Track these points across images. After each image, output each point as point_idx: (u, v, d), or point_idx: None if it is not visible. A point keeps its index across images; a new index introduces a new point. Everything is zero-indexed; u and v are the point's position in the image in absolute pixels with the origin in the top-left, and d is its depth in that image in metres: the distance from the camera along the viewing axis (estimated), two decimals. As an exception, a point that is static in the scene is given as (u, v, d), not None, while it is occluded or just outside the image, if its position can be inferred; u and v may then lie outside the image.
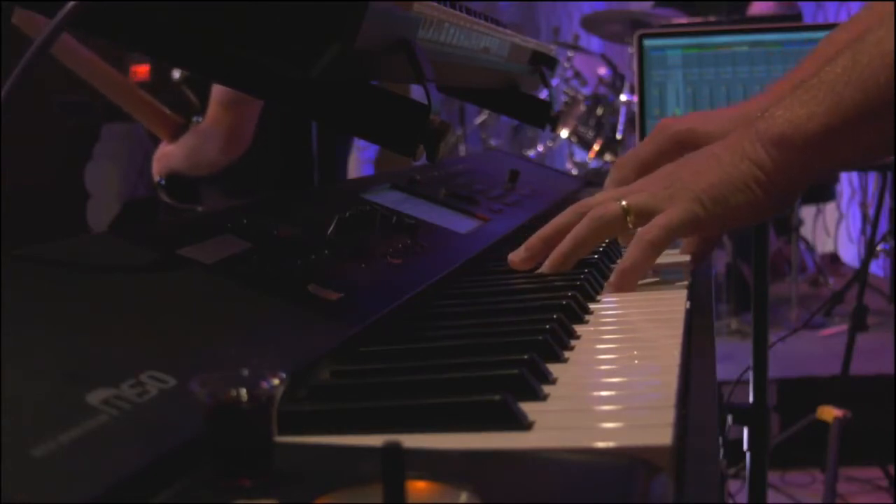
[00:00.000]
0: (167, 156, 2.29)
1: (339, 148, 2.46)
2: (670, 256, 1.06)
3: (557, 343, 0.72)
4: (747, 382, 2.09)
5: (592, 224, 0.96)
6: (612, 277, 0.94)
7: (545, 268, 0.97)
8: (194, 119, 2.29)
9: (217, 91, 2.16)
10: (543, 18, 6.26)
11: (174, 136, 2.29)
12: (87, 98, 3.02)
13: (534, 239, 1.00)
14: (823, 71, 0.90)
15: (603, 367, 0.70)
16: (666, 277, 1.00)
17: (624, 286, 0.93)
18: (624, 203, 0.95)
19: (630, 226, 0.95)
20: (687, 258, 1.03)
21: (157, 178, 2.33)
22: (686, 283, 0.96)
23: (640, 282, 0.95)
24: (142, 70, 2.50)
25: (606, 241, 1.11)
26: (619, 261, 0.95)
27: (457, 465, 0.50)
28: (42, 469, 0.44)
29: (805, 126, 0.90)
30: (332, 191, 1.21)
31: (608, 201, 0.97)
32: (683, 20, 3.52)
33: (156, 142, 2.41)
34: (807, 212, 4.99)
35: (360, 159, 5.29)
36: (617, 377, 0.66)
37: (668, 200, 0.94)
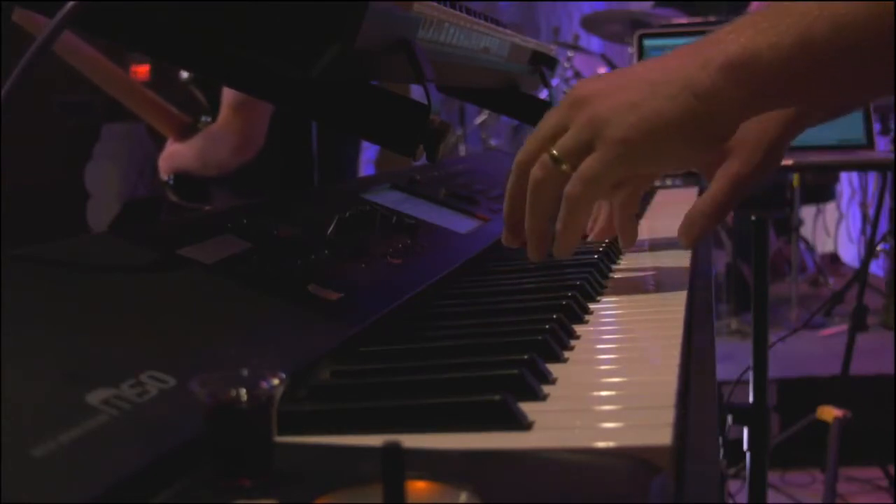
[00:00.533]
0: (176, 155, 2.29)
1: (349, 148, 2.47)
2: (671, 259, 1.06)
3: (557, 343, 0.72)
4: (747, 382, 2.09)
5: (535, 191, 0.89)
6: (556, 238, 0.90)
7: (554, 253, 0.93)
8: (202, 119, 2.29)
9: (227, 94, 2.16)
10: (543, 18, 6.26)
11: (181, 135, 2.29)
12: (87, 98, 3.02)
13: (505, 217, 0.96)
14: (789, 3, 0.81)
15: (603, 367, 0.70)
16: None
17: (565, 246, 0.89)
18: (554, 152, 0.88)
19: (570, 172, 0.87)
20: (687, 262, 1.02)
21: (164, 176, 2.33)
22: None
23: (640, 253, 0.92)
24: (142, 70, 2.50)
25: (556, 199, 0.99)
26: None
27: (457, 465, 0.50)
28: (42, 469, 0.44)
29: (764, 55, 0.80)
30: (332, 191, 1.21)
31: (539, 156, 0.89)
32: (683, 20, 3.53)
33: (157, 142, 2.41)
34: (807, 212, 4.99)
35: (361, 159, 5.29)
36: (617, 377, 0.66)
37: (597, 139, 0.85)
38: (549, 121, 0.91)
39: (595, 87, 0.88)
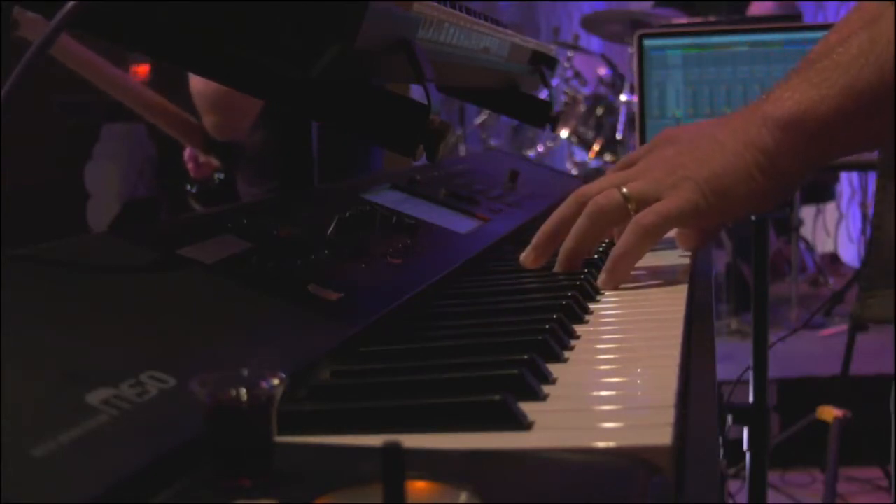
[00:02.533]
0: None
1: (374, 150, 2.46)
2: (671, 258, 1.06)
3: (557, 343, 0.72)
4: (747, 382, 2.09)
5: (593, 216, 0.93)
6: (607, 263, 0.93)
7: (557, 268, 0.96)
8: None
9: (196, 96, 2.15)
10: (543, 18, 6.25)
11: (199, 142, 2.29)
12: (87, 98, 3.02)
13: (540, 236, 0.99)
14: (836, 52, 0.86)
15: (603, 367, 0.70)
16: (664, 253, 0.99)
17: (617, 272, 0.92)
18: (625, 190, 0.92)
19: (632, 214, 0.92)
20: (687, 261, 1.03)
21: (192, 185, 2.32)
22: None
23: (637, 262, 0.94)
24: (142, 70, 2.50)
25: (611, 235, 1.08)
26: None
27: (457, 465, 0.50)
28: (42, 469, 0.44)
29: (816, 109, 0.86)
30: (332, 191, 1.21)
31: (609, 189, 0.94)
32: (683, 20, 3.53)
33: (158, 142, 2.41)
34: (807, 212, 4.99)
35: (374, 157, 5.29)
36: (617, 377, 0.66)
37: (670, 188, 0.91)
38: (626, 161, 0.98)
39: (671, 146, 0.94)
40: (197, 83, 2.14)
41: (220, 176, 2.28)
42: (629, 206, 0.92)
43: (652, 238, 0.91)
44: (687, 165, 0.91)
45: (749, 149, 0.89)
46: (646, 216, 0.90)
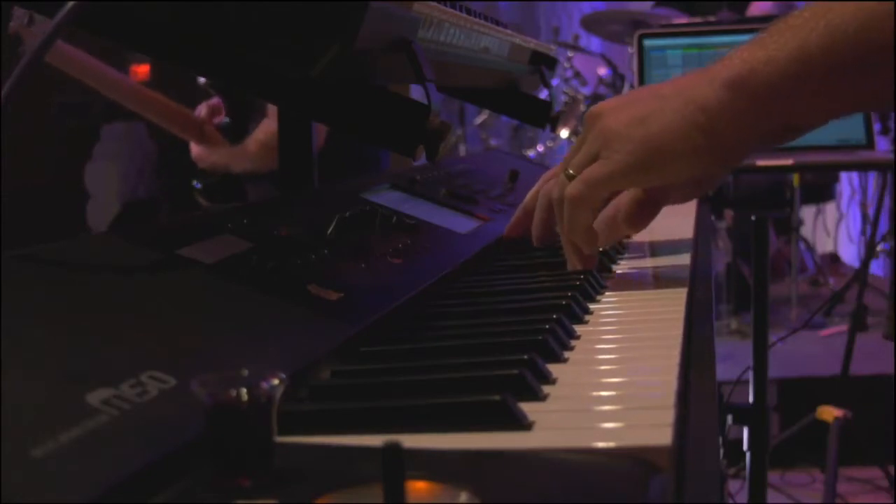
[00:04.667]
0: (206, 158, 2.30)
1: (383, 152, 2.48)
2: (671, 258, 1.06)
3: (557, 343, 0.72)
4: (747, 382, 2.09)
5: (549, 207, 0.95)
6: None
7: (581, 266, 0.95)
8: (224, 120, 2.30)
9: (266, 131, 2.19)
10: (543, 18, 6.26)
11: (200, 138, 2.29)
12: (87, 98, 3.02)
13: (535, 230, 1.04)
14: (790, 16, 0.83)
15: (603, 367, 0.70)
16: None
17: (569, 248, 0.93)
18: (570, 171, 0.90)
19: None
20: (687, 262, 1.02)
21: (203, 164, 2.33)
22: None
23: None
24: (142, 70, 2.50)
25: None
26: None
27: (457, 465, 0.50)
28: (42, 469, 0.44)
29: (763, 69, 0.83)
30: (332, 191, 1.21)
31: (559, 176, 0.93)
32: (683, 20, 3.53)
33: (158, 142, 2.41)
34: (807, 212, 4.99)
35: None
36: (617, 377, 0.66)
37: (603, 150, 0.88)
38: (573, 145, 0.94)
39: (608, 105, 0.91)
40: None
41: (225, 120, 2.30)
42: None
43: (586, 205, 0.89)
44: (622, 124, 0.88)
45: (689, 106, 0.86)
46: (573, 186, 0.88)
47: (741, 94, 0.83)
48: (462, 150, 5.01)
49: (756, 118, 0.85)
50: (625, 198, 0.97)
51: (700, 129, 0.85)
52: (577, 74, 4.70)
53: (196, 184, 2.32)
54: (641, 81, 1.97)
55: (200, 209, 2.36)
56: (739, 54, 0.85)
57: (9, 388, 0.49)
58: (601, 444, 0.52)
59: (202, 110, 2.34)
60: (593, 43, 5.30)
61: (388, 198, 1.14)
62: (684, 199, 1.03)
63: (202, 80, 2.28)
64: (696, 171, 0.89)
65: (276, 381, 0.48)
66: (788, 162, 1.88)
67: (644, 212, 0.97)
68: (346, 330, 0.73)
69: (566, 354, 0.72)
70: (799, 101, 0.84)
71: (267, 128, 2.26)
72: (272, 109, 2.20)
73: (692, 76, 0.88)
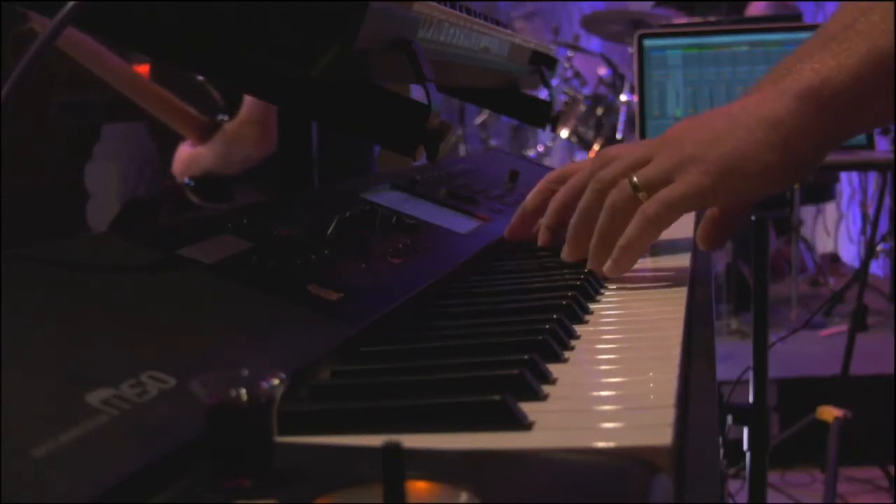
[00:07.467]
0: (197, 158, 2.29)
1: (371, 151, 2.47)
2: (671, 258, 1.06)
3: (557, 343, 0.72)
4: (747, 382, 2.09)
5: (610, 214, 0.92)
6: (613, 252, 0.92)
7: (606, 272, 0.94)
8: (220, 117, 2.30)
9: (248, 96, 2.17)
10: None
11: (201, 136, 2.29)
12: (87, 98, 3.02)
13: (571, 231, 0.98)
14: (858, 22, 0.83)
15: (603, 367, 0.70)
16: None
17: (621, 262, 0.91)
18: (635, 179, 0.91)
19: (643, 202, 0.90)
20: (687, 262, 1.02)
21: (182, 179, 2.33)
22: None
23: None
24: (142, 70, 2.50)
25: None
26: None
27: (457, 465, 0.50)
28: (42, 469, 0.44)
29: (834, 78, 0.83)
30: (332, 191, 1.21)
31: (621, 180, 0.92)
32: (683, 20, 3.53)
33: (157, 142, 2.41)
34: (807, 212, 5.00)
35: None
36: (617, 377, 0.66)
37: (677, 172, 0.88)
38: (637, 149, 0.94)
39: (684, 126, 0.91)
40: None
41: (222, 117, 2.29)
42: (640, 195, 0.90)
43: (657, 227, 0.90)
44: (696, 145, 0.89)
45: (762, 124, 0.86)
46: (650, 206, 0.89)
47: (815, 104, 0.84)
48: (462, 150, 5.01)
49: (832, 126, 0.85)
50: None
51: (772, 146, 0.85)
52: (577, 74, 4.71)
53: (188, 181, 2.32)
54: (641, 81, 1.97)
55: (195, 208, 2.36)
56: (810, 65, 0.85)
57: (9, 388, 0.49)
58: (601, 444, 0.52)
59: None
60: (593, 43, 5.30)
61: (388, 198, 1.14)
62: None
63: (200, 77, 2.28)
64: (770, 189, 0.89)
65: (276, 381, 0.48)
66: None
67: (722, 228, 1.00)
68: (346, 330, 0.73)
69: (566, 354, 0.72)
70: (874, 104, 0.84)
71: (236, 121, 2.25)
72: (247, 104, 2.19)
73: (762, 93, 0.88)
